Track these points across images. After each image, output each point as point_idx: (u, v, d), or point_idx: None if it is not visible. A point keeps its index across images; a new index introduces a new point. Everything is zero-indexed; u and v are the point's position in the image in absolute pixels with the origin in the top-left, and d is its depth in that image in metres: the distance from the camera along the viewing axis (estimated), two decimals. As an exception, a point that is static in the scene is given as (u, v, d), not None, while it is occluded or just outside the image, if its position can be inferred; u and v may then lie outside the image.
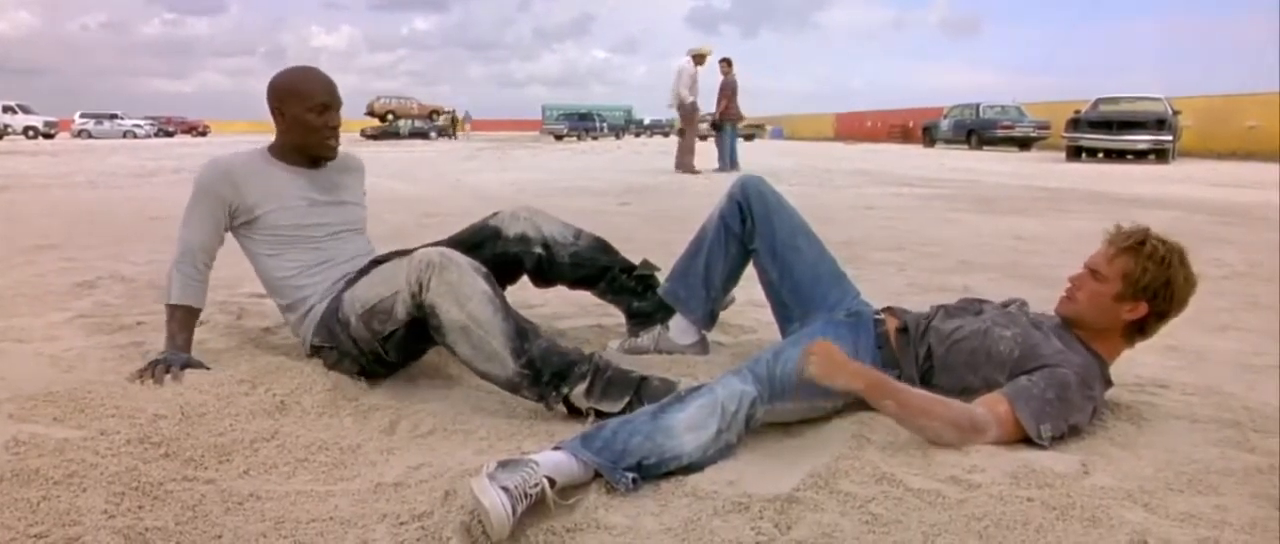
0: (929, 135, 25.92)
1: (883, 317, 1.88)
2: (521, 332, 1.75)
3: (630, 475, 1.40)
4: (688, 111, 11.43)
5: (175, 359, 1.95)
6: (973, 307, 1.88)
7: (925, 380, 1.75)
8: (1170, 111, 15.84)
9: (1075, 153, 16.08)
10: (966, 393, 1.68)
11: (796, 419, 1.69)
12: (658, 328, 2.24)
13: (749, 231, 2.09)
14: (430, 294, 1.76)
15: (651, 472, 1.44)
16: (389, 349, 1.91)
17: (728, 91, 11.92)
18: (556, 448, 1.42)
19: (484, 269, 1.83)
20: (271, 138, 2.20)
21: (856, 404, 1.76)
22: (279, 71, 2.17)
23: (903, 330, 1.83)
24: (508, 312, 1.77)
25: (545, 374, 1.72)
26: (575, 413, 1.73)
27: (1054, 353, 1.67)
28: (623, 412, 1.67)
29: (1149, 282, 1.65)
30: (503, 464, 1.30)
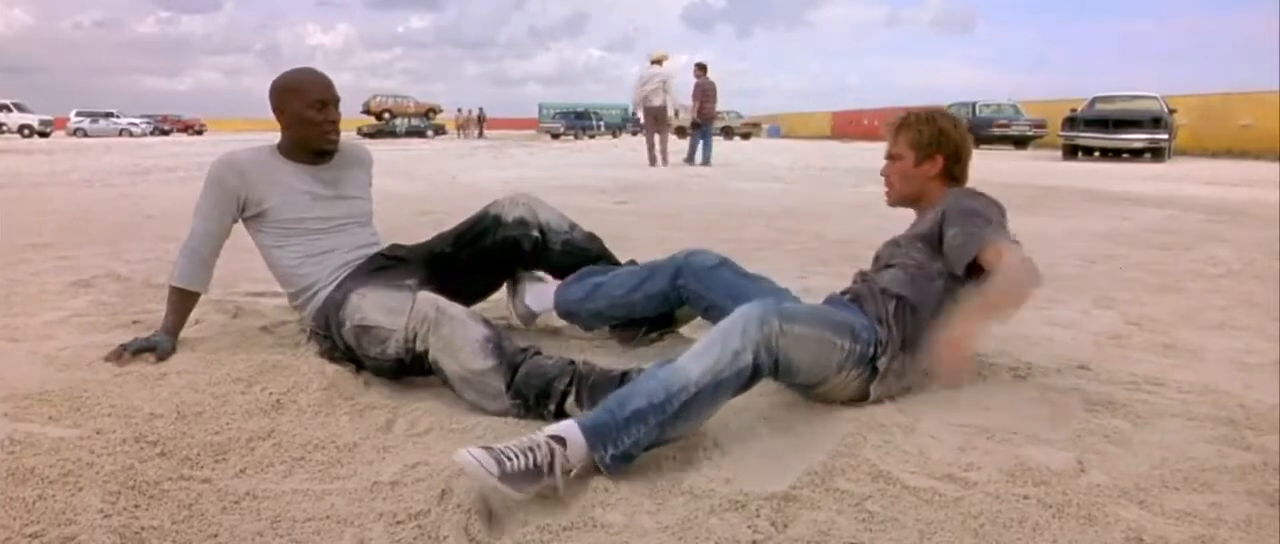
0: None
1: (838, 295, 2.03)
2: (511, 365, 1.77)
3: (610, 453, 1.40)
4: (658, 114, 12.55)
5: (150, 342, 2.10)
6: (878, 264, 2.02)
7: (897, 315, 1.84)
8: (1166, 110, 15.88)
9: (1072, 151, 16.10)
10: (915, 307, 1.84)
11: (811, 365, 1.67)
12: (519, 291, 2.37)
13: (694, 296, 2.13)
14: (429, 351, 1.82)
15: (664, 408, 1.43)
16: (368, 366, 1.96)
17: (705, 94, 12.85)
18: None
19: (479, 315, 1.88)
20: (275, 135, 2.29)
21: (853, 400, 1.77)
22: (279, 74, 2.26)
23: (858, 290, 1.96)
24: (500, 351, 1.79)
25: (530, 397, 1.74)
26: None
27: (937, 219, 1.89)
28: None
29: (928, 136, 1.99)
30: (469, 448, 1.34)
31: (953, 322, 1.66)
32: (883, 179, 2.08)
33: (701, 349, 1.53)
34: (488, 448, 1.30)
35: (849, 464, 1.50)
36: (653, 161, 12.37)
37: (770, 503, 1.35)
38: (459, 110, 45.64)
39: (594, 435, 1.39)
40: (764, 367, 1.57)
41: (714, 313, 2.10)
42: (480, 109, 44.52)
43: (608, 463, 1.39)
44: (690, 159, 12.80)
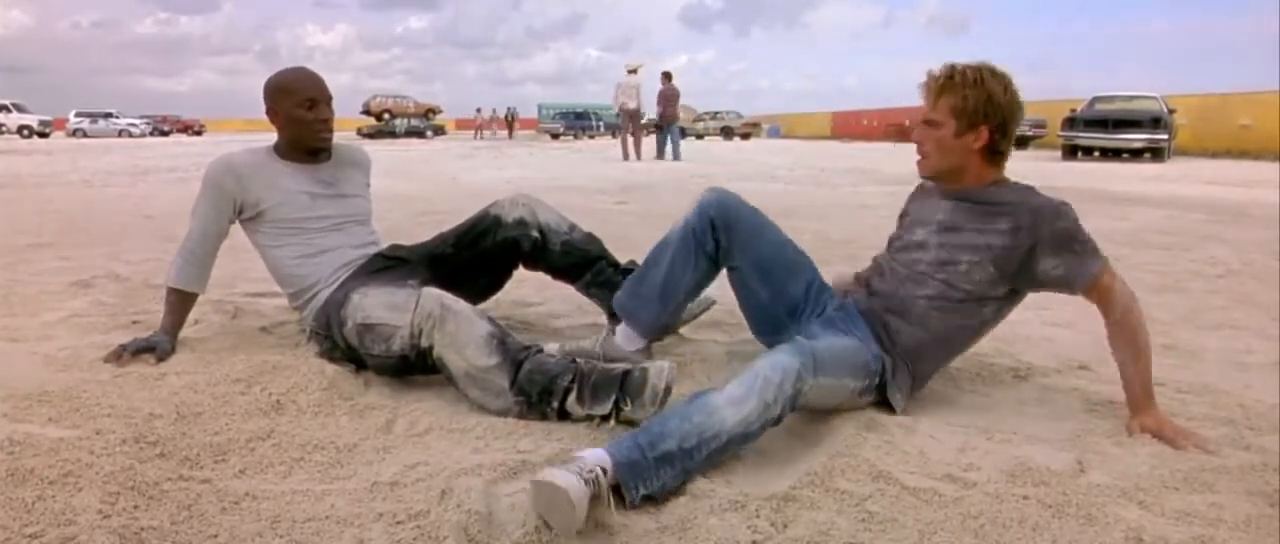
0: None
1: (850, 298, 1.94)
2: (515, 362, 1.76)
3: (640, 492, 1.35)
4: (633, 115, 14.77)
5: (150, 343, 2.11)
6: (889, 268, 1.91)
7: (917, 351, 1.81)
8: (1166, 110, 15.89)
9: (1072, 151, 16.11)
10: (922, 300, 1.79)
11: (822, 402, 1.67)
12: (604, 331, 2.17)
13: (726, 252, 2.01)
14: (434, 347, 1.81)
15: (693, 454, 1.40)
16: (371, 364, 1.96)
17: (669, 99, 14.99)
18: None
19: (482, 312, 1.86)
20: (274, 135, 2.30)
21: (856, 404, 1.77)
22: (271, 74, 2.26)
23: (872, 296, 1.88)
24: (505, 348, 1.78)
25: (533, 395, 1.73)
26: (576, 420, 1.73)
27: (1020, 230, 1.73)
28: (611, 410, 1.68)
29: (974, 105, 1.73)
30: (553, 467, 1.29)
31: (1134, 417, 1.71)
32: (917, 145, 1.83)
33: (739, 395, 1.47)
34: (581, 476, 1.26)
35: (849, 464, 1.50)
36: (626, 156, 14.40)
37: (770, 503, 1.35)
38: (478, 110, 43.69)
39: (627, 473, 1.35)
40: (786, 414, 1.55)
41: (739, 274, 2.02)
42: (511, 109, 42.71)
43: (635, 501, 1.36)
44: (660, 155, 14.73)
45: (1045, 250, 1.72)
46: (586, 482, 1.26)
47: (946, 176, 1.84)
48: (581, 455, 1.35)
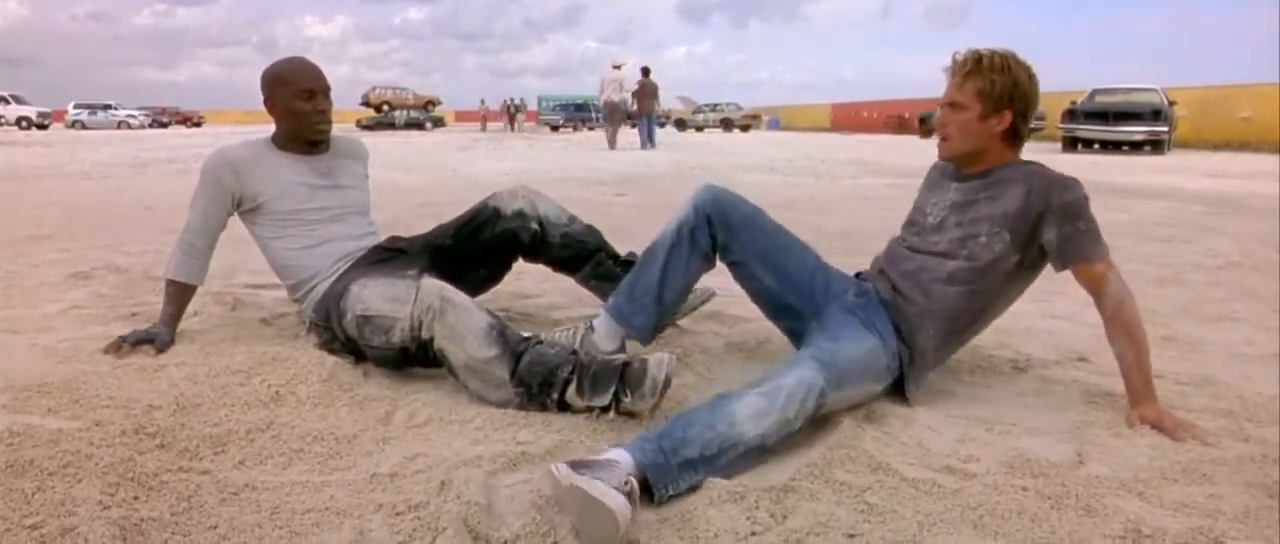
0: (925, 126, 25.92)
1: (871, 283, 1.92)
2: (514, 354, 1.76)
3: (669, 493, 1.35)
4: (614, 107, 16.23)
5: (149, 334, 2.12)
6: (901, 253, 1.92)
7: (939, 335, 1.81)
8: (1166, 102, 15.85)
9: (1071, 144, 16.08)
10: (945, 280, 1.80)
11: (842, 408, 1.66)
12: (580, 328, 2.11)
13: (723, 247, 1.99)
14: (435, 339, 1.81)
15: (714, 461, 1.41)
16: (371, 356, 1.95)
17: (646, 92, 16.54)
18: (620, 446, 1.39)
19: (481, 304, 1.86)
20: (271, 127, 2.29)
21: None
22: (269, 64, 2.26)
23: (894, 288, 1.86)
24: (504, 339, 1.77)
25: (533, 386, 1.73)
26: (575, 411, 1.72)
27: (1032, 196, 1.76)
28: (611, 401, 1.68)
29: (1001, 89, 1.77)
30: (583, 465, 1.27)
31: (1133, 409, 1.71)
32: (939, 128, 1.86)
33: (761, 408, 1.47)
34: (620, 490, 1.24)
35: (848, 456, 1.50)
36: (612, 145, 15.65)
37: (769, 495, 1.35)
38: (482, 102, 42.44)
39: (655, 475, 1.35)
40: (804, 425, 1.55)
41: (742, 269, 2.00)
42: (517, 100, 40.13)
43: (663, 500, 1.35)
44: (644, 145, 15.88)
45: (1052, 219, 1.75)
46: (629, 496, 1.24)
47: (967, 159, 1.86)
48: (612, 460, 1.32)
